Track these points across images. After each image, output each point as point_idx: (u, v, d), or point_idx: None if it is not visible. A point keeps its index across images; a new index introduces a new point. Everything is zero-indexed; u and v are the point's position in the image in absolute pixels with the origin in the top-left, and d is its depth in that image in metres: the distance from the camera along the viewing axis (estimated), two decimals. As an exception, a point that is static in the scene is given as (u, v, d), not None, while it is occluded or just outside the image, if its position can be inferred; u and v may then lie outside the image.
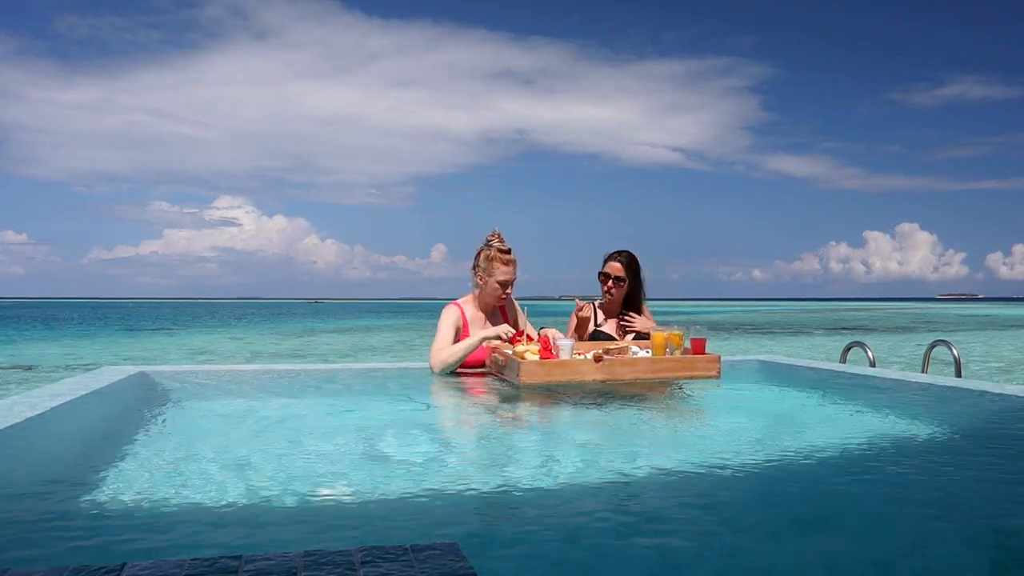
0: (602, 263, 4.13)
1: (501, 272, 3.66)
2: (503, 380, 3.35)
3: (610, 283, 4.05)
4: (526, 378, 3.19)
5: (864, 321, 44.77)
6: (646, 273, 4.17)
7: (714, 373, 3.49)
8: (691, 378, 3.43)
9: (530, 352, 3.32)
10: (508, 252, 3.70)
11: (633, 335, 4.00)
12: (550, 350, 3.36)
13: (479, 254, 3.74)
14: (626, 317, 4.07)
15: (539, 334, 3.58)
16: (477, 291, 3.77)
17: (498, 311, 3.86)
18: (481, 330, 3.66)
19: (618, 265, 4.06)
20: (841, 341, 21.28)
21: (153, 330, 35.58)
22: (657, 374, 3.42)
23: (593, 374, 3.31)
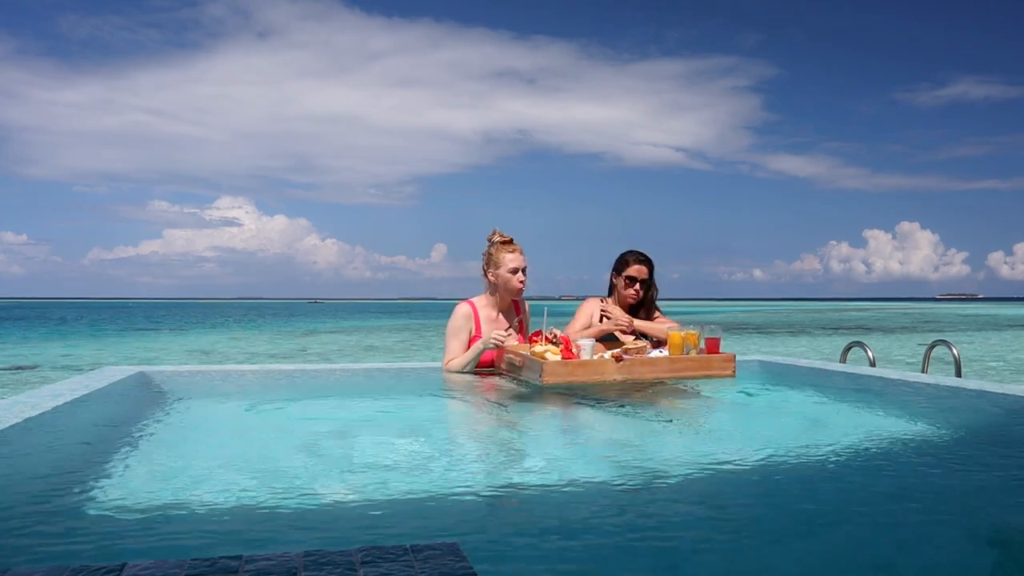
0: (620, 264, 4.06)
1: (509, 260, 3.64)
2: (520, 381, 3.35)
3: (637, 286, 4.00)
4: (549, 378, 3.18)
5: (864, 321, 44.77)
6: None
7: (729, 372, 3.53)
8: (708, 377, 3.45)
9: (550, 352, 3.31)
10: (511, 241, 3.71)
11: (635, 336, 3.99)
12: (571, 350, 3.36)
13: (484, 253, 3.76)
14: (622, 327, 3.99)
15: (552, 334, 3.56)
16: (491, 290, 3.76)
17: (513, 309, 3.85)
18: (485, 337, 3.66)
19: (645, 268, 4.02)
20: (841, 341, 21.27)
21: (153, 330, 35.57)
22: (675, 374, 3.44)
23: (614, 374, 3.32)
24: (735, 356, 3.60)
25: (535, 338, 3.51)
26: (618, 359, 3.35)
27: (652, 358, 3.47)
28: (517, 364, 3.43)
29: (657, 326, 3.98)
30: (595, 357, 3.41)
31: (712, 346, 3.65)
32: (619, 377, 3.32)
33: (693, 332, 3.60)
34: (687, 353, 3.55)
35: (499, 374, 3.58)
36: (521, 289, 3.71)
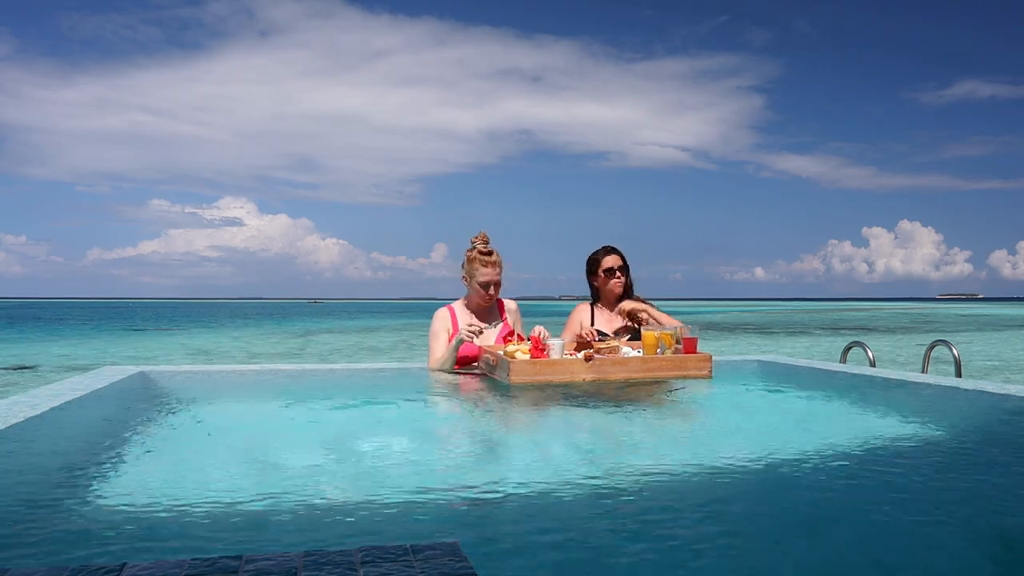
0: (592, 264, 4.15)
1: (481, 274, 3.68)
2: (495, 380, 3.35)
3: (618, 275, 4.07)
4: (516, 377, 3.18)
5: (864, 321, 44.77)
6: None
7: (705, 372, 3.48)
8: (682, 377, 3.42)
9: (520, 351, 3.32)
10: (489, 254, 3.71)
11: (627, 336, 3.99)
12: (541, 349, 3.36)
13: (464, 258, 3.77)
14: (642, 311, 4.01)
15: (530, 334, 3.58)
16: (470, 292, 3.81)
17: (495, 309, 3.87)
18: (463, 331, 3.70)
19: (618, 256, 4.12)
20: (841, 341, 21.28)
21: (154, 330, 35.57)
22: (648, 373, 3.41)
23: (583, 373, 3.31)
24: (711, 356, 3.53)
25: (509, 337, 3.52)
26: (588, 358, 3.33)
27: (624, 358, 3.43)
28: (491, 363, 3.45)
29: (664, 317, 3.99)
30: (566, 356, 3.40)
31: (689, 346, 3.58)
32: (589, 377, 3.30)
33: (668, 332, 3.56)
34: (661, 353, 3.52)
35: (482, 374, 3.59)
36: (490, 301, 3.78)
